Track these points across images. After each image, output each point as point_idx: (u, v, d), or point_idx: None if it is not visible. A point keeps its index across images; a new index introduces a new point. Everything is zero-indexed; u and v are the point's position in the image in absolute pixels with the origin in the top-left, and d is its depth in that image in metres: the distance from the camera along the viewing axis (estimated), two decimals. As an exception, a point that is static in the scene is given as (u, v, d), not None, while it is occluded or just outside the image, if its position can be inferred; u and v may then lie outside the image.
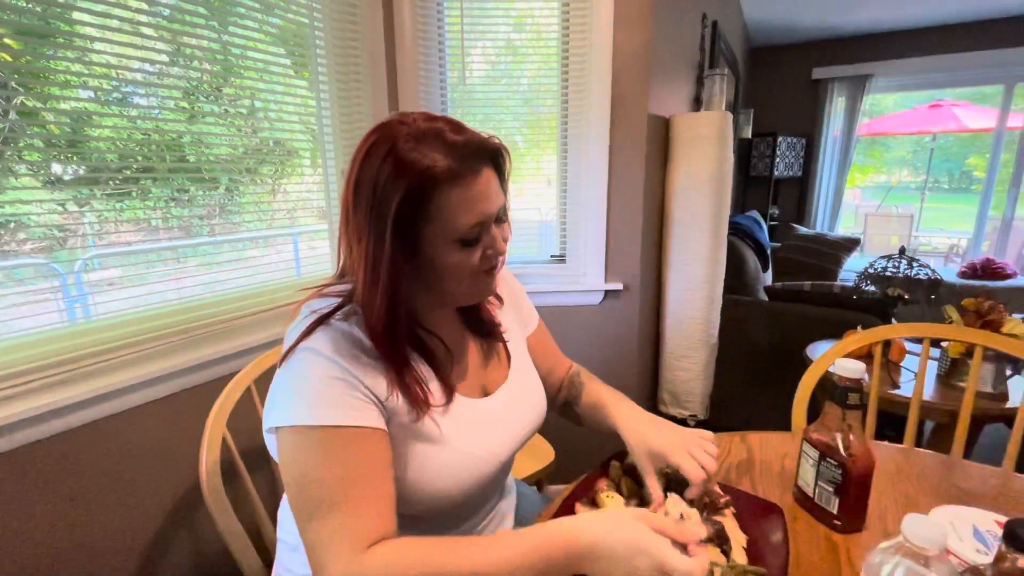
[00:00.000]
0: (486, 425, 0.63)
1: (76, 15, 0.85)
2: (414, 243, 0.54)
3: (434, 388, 0.59)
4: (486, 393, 0.66)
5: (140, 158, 0.98)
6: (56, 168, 0.89)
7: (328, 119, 1.31)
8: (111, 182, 0.93)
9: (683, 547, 0.46)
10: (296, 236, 1.37)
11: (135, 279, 0.98)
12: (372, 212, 0.51)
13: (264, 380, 0.86)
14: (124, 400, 0.89)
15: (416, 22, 1.45)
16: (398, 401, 0.55)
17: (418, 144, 0.51)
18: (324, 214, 1.37)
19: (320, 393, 0.50)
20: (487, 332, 0.70)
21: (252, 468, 0.86)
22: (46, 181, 0.87)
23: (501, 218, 0.58)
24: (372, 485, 0.50)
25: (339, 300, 0.56)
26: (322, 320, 0.54)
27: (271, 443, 0.56)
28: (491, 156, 0.56)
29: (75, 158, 0.90)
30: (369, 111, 1.39)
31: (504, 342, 0.72)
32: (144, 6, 0.92)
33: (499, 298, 0.75)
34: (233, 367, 1.04)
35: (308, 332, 0.53)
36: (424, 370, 0.59)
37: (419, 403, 0.56)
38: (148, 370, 0.91)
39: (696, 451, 0.63)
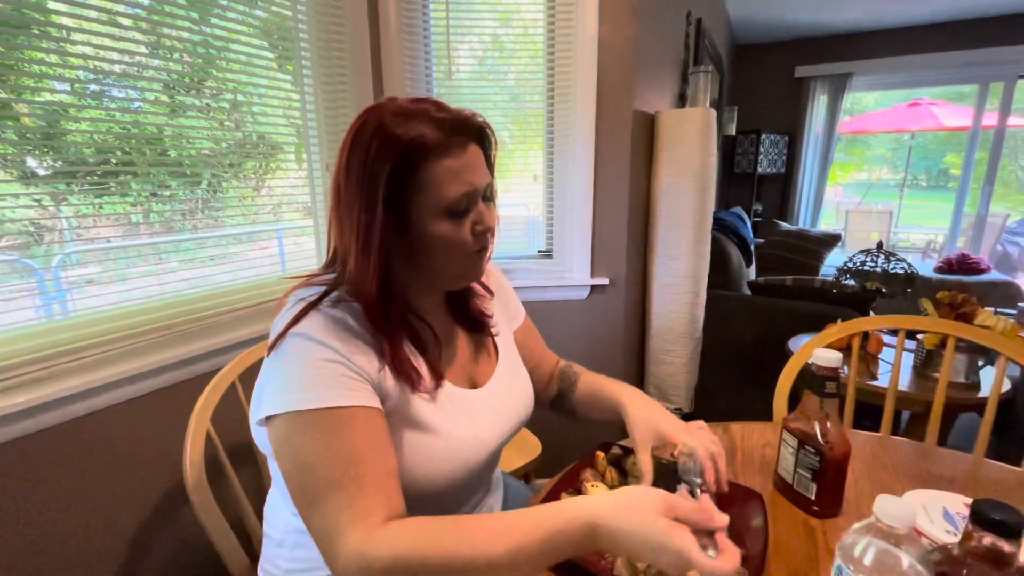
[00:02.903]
0: (474, 414, 0.63)
1: (51, 4, 0.83)
2: (404, 214, 0.55)
3: (423, 373, 0.59)
4: (474, 386, 0.67)
5: (119, 152, 0.96)
6: (31, 162, 0.87)
7: (312, 114, 1.30)
8: (89, 177, 0.91)
9: (708, 534, 0.44)
10: (281, 232, 1.35)
11: (115, 275, 0.96)
12: (363, 183, 0.53)
13: (249, 376, 0.86)
14: (105, 397, 0.87)
15: (401, 17, 1.44)
16: (389, 381, 0.55)
17: (406, 120, 0.53)
18: (309, 211, 1.36)
19: (312, 376, 0.50)
20: (476, 326, 0.71)
21: (237, 464, 0.85)
22: (20, 176, 0.85)
23: (488, 197, 0.60)
24: (374, 462, 0.49)
25: (326, 287, 0.56)
26: (311, 306, 0.53)
27: (261, 436, 0.56)
28: (477, 133, 0.58)
29: (51, 152, 0.88)
30: (354, 106, 1.38)
31: (493, 336, 0.73)
32: (122, -3, 0.90)
33: (489, 291, 0.75)
34: (217, 363, 1.03)
35: (297, 319, 0.52)
36: (413, 354, 0.59)
37: (411, 380, 0.56)
38: (130, 367, 0.90)
39: (702, 436, 0.64)
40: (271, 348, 0.53)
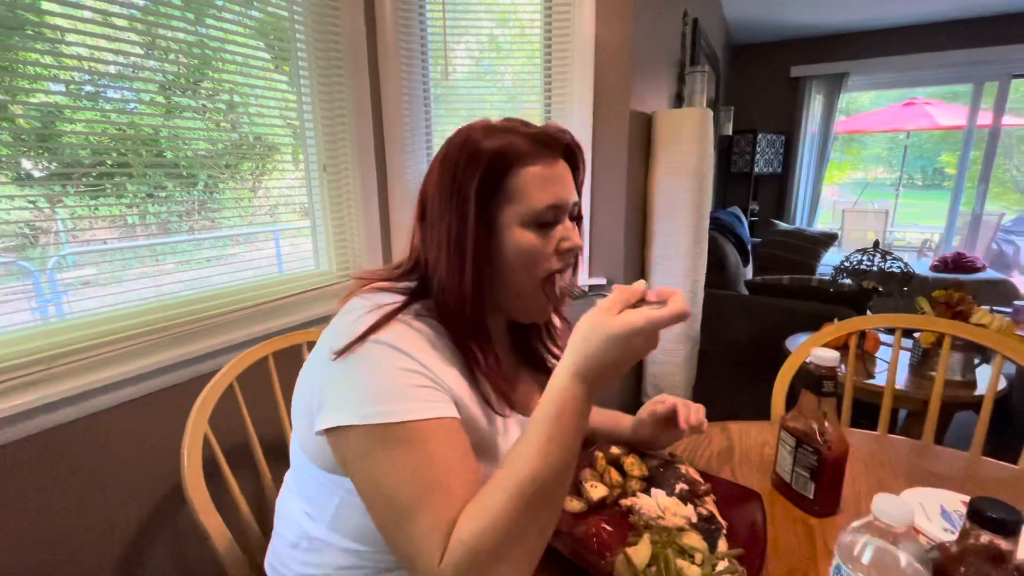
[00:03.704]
0: None
1: (45, 5, 0.83)
2: (492, 224, 0.54)
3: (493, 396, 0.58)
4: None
5: (115, 154, 0.96)
6: (26, 164, 0.86)
7: (309, 115, 1.30)
8: (84, 179, 0.91)
9: (642, 302, 0.47)
10: (278, 233, 1.35)
11: (111, 277, 0.96)
12: (454, 195, 0.53)
13: (247, 377, 0.86)
14: (102, 399, 0.87)
15: (398, 17, 1.44)
16: (471, 407, 0.53)
17: (494, 133, 0.54)
18: (306, 211, 1.35)
19: (394, 387, 0.48)
20: (536, 361, 0.69)
21: (235, 466, 0.85)
22: (15, 177, 0.85)
23: (575, 216, 0.59)
24: (460, 476, 0.47)
25: (406, 297, 0.55)
26: (392, 315, 0.51)
27: (316, 444, 0.53)
28: (565, 150, 0.58)
29: (46, 154, 0.88)
30: (351, 107, 1.38)
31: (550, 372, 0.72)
32: (117, -3, 0.90)
33: (566, 319, 0.73)
34: (215, 365, 1.02)
35: (377, 326, 0.50)
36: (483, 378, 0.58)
37: (490, 397, 0.55)
38: (126, 368, 0.89)
39: None
40: (341, 352, 0.49)
